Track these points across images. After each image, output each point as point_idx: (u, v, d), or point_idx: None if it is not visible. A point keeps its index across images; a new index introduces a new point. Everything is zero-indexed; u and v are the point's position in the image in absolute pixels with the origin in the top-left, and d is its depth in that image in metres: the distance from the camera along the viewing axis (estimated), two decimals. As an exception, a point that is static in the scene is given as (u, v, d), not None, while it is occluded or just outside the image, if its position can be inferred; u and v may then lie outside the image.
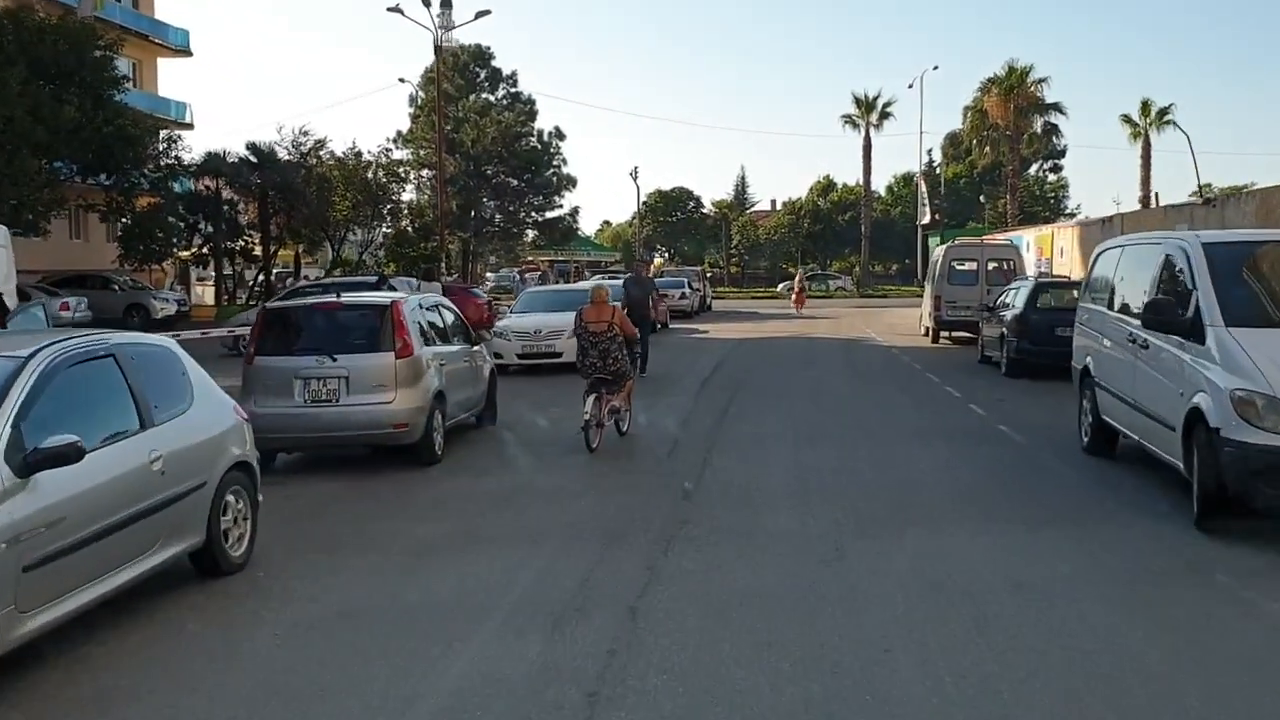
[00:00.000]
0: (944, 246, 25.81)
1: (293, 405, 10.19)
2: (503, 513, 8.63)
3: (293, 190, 42.52)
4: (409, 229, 45.25)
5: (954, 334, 25.89)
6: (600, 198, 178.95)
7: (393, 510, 8.86)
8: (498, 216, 47.02)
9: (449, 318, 12.38)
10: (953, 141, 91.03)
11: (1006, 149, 55.16)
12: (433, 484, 9.91)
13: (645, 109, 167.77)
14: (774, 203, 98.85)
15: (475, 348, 12.73)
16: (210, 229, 43.02)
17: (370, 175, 44.67)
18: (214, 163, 41.60)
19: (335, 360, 10.23)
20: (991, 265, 25.34)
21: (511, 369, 19.52)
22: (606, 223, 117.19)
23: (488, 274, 78.29)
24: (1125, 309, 9.73)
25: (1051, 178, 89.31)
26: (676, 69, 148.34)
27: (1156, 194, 50.33)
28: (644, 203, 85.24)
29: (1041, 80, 52.86)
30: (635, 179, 70.35)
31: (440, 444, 10.82)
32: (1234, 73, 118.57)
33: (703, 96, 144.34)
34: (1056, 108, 53.68)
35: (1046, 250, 26.20)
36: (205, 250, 44.31)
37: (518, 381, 18.27)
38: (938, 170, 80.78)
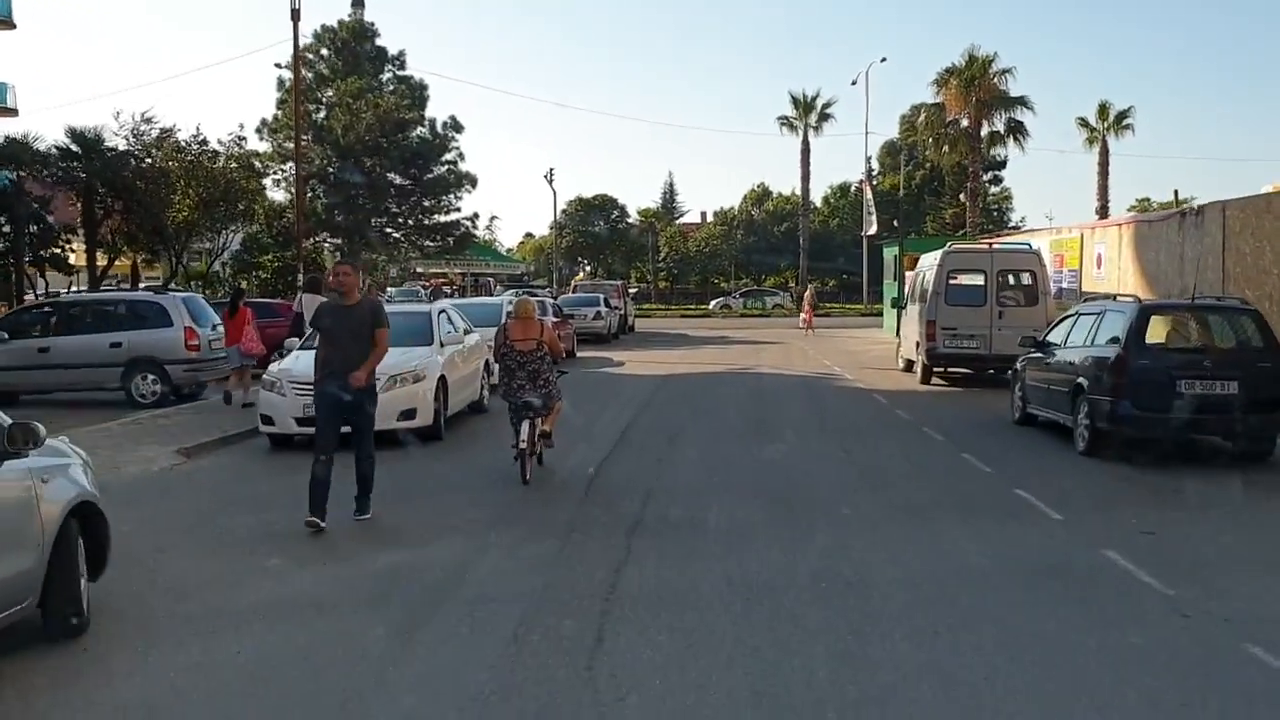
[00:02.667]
0: (937, 254, 19.00)
1: None
2: None
3: (125, 186, 34.54)
4: (262, 234, 37.39)
5: (949, 369, 19.09)
6: (520, 208, 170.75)
7: None
8: (375, 219, 39.28)
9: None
10: (890, 151, 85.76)
11: (965, 148, 48.98)
12: None
13: (565, 109, 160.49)
14: (704, 215, 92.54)
15: None
16: (12, 233, 34.67)
17: (219, 168, 36.59)
18: (14, 150, 33.31)
19: None
20: (1004, 279, 18.58)
21: (296, 441, 12.14)
22: (529, 234, 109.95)
23: (388, 288, 70.33)
24: None
25: (993, 189, 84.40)
26: (596, 66, 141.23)
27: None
28: (563, 211, 77.99)
29: (1005, 71, 46.87)
30: (550, 181, 62.83)
31: None
32: (1178, 80, 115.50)
33: (625, 98, 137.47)
34: (1022, 102, 47.67)
35: (1072, 258, 19.51)
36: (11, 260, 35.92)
37: (280, 470, 10.81)
38: (875, 181, 75.00)
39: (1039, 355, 12.91)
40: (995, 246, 19.06)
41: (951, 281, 18.43)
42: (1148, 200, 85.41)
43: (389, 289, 70.54)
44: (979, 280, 18.42)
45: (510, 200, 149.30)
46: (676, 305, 70.41)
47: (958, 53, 66.49)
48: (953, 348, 18.21)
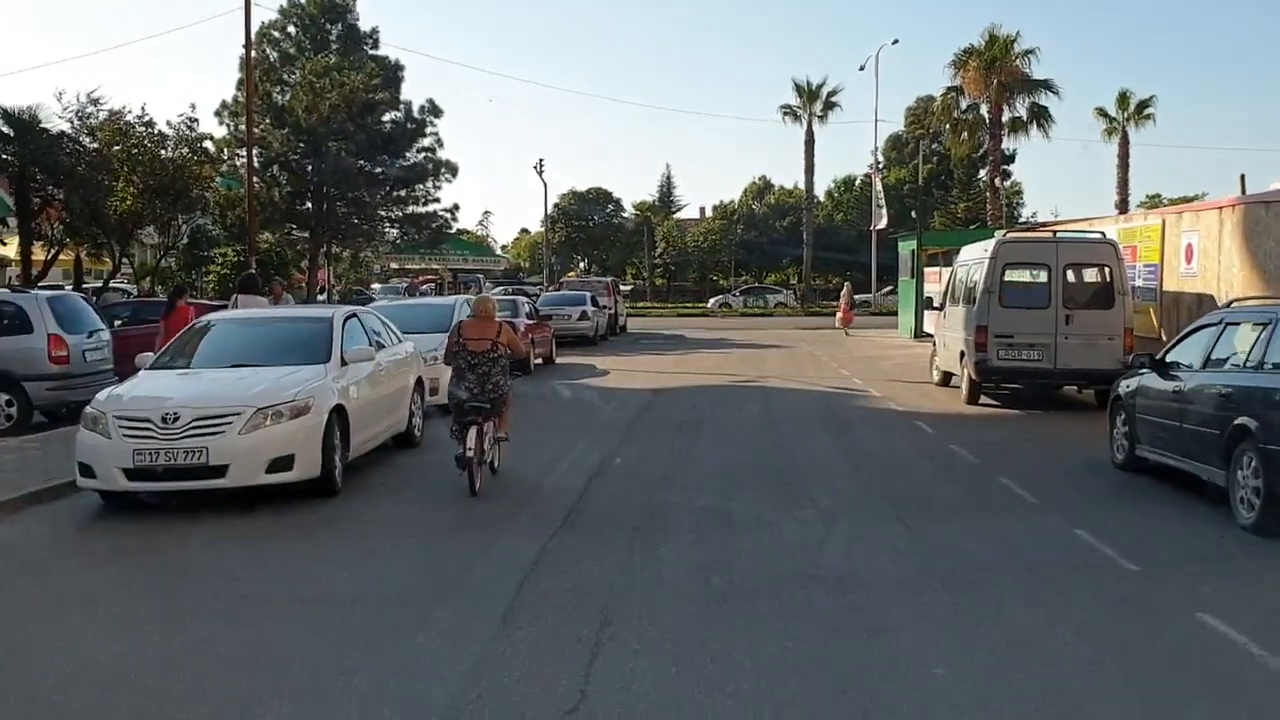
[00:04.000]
0: (987, 245, 15.50)
1: None
2: None
3: (65, 172, 31.09)
4: (212, 226, 33.91)
5: (1000, 386, 15.59)
6: (515, 204, 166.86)
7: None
8: (341, 208, 35.64)
9: None
10: (895, 144, 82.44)
11: (985, 134, 45.41)
12: None
13: (558, 102, 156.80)
14: (703, 210, 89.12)
15: None
16: (-69, 223, 31.25)
17: (169, 153, 33.02)
18: (-72, 131, 29.83)
19: None
20: (1072, 274, 15.10)
21: (143, 498, 8.74)
22: (524, 230, 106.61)
23: (374, 285, 66.89)
24: None
25: (1003, 183, 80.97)
26: (590, 56, 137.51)
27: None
28: (555, 204, 74.51)
29: (1029, 52, 43.22)
30: (540, 173, 59.07)
31: None
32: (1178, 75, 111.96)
33: (621, 89, 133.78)
34: (1046, 86, 44.04)
35: (1150, 251, 16.01)
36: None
37: (97, 551, 7.36)
38: (881, 174, 71.59)
39: (1156, 379, 9.45)
40: (1060, 235, 15.55)
41: (1007, 277, 14.94)
42: (1158, 196, 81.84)
43: (375, 285, 67.28)
44: (1041, 276, 14.91)
45: (506, 196, 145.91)
46: (673, 303, 66.94)
47: (964, 40, 62.88)
48: (1008, 359, 14.71)
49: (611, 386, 18.75)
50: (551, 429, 13.04)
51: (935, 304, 18.15)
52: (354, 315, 10.84)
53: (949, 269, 30.26)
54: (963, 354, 15.61)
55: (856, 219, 72.58)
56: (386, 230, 38.81)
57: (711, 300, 63.42)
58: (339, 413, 9.24)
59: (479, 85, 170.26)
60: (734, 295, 64.31)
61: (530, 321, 22.38)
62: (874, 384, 18.38)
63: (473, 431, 8.92)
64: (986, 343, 14.72)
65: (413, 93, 52.02)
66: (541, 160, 58.97)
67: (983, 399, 15.48)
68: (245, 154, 35.83)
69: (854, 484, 9.69)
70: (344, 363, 9.77)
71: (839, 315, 35.63)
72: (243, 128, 37.27)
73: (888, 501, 8.80)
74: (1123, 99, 57.71)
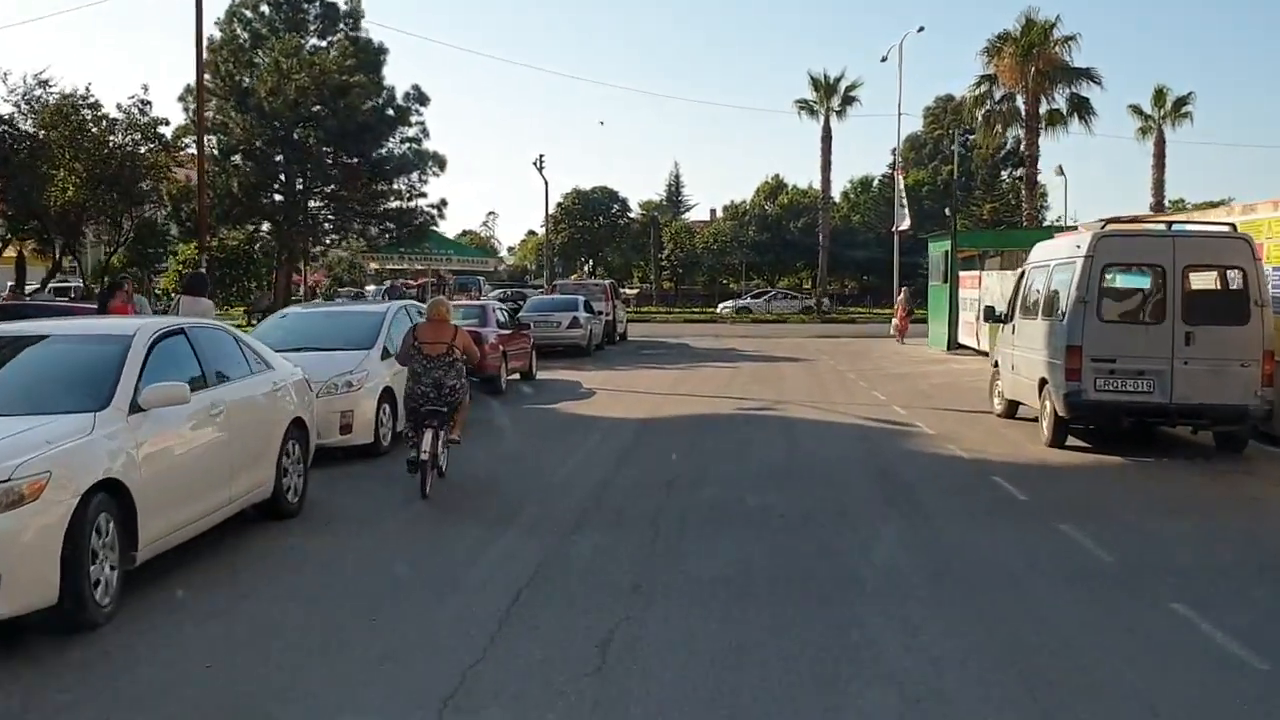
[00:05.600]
0: (1078, 239, 11.95)
1: None
2: None
3: (2, 159, 27.85)
4: (169, 220, 30.56)
5: (1089, 425, 11.96)
6: (523, 206, 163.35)
7: None
8: (311, 202, 32.30)
9: None
10: (913, 145, 78.84)
11: (1020, 127, 41.83)
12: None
13: (560, 97, 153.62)
14: (713, 212, 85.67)
15: None
16: None
17: (119, 139, 29.69)
18: None
19: None
20: (1193, 279, 11.52)
21: None
22: (531, 232, 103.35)
23: (368, 287, 63.62)
24: None
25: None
26: (596, 50, 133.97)
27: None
28: (558, 204, 71.12)
29: (1069, 39, 39.54)
30: (541, 169, 55.53)
31: None
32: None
33: (627, 81, 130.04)
34: (1088, 75, 40.33)
35: (1285, 249, 12.41)
36: None
37: None
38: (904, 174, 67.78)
39: None
40: (1176, 228, 11.99)
41: (1107, 283, 11.36)
42: (1182, 201, 77.85)
43: (369, 286, 63.81)
44: (1152, 283, 11.36)
45: (513, 198, 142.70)
46: (681, 307, 63.41)
47: (988, 32, 58.81)
48: (1109, 390, 11.11)
49: (593, 414, 15.18)
50: (482, 498, 9.52)
51: (998, 314, 14.57)
52: (178, 333, 7.25)
53: (988, 273, 26.86)
54: (1043, 382, 12.03)
55: (874, 221, 69.06)
56: (365, 226, 35.29)
57: (721, 305, 59.94)
58: (112, 491, 5.73)
59: (480, 80, 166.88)
60: (745, 299, 60.90)
61: (504, 331, 18.86)
62: (920, 414, 14.78)
63: (428, 435, 8.99)
64: (1080, 369, 11.14)
65: (410, 86, 48.96)
66: (541, 156, 55.61)
67: (1071, 440, 11.90)
68: (209, 141, 32.50)
69: (929, 605, 6.07)
70: (137, 408, 6.25)
71: (894, 322, 32.77)
72: (193, 116, 33.98)
73: (995, 644, 5.20)
74: (1159, 96, 54.35)
